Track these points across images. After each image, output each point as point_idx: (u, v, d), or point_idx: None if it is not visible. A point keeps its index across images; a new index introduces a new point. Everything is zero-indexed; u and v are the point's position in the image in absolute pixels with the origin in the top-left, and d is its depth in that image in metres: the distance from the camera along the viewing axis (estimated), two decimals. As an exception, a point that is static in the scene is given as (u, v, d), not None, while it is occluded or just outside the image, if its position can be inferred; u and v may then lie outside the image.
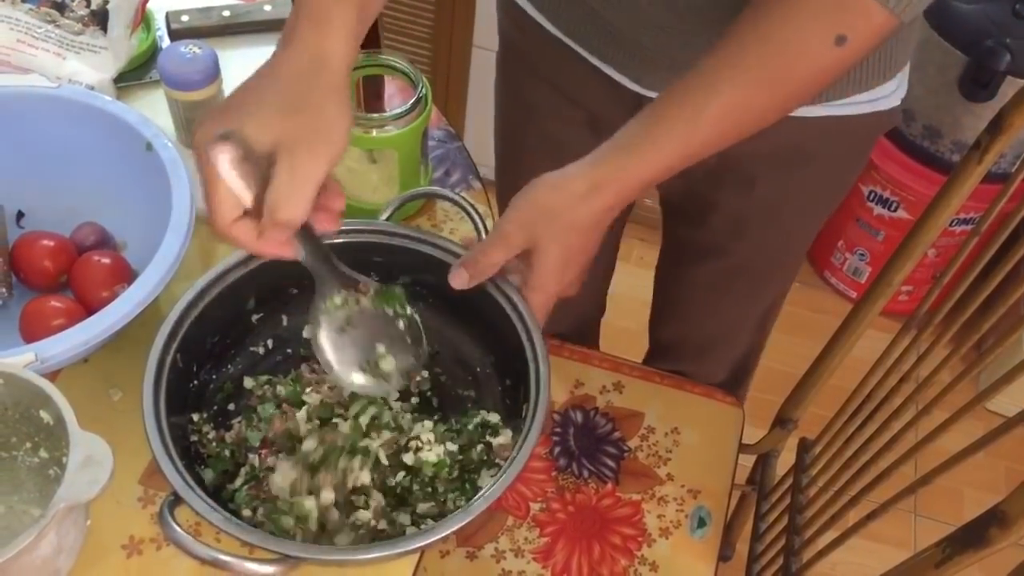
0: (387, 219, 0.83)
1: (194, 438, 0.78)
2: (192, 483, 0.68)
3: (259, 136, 0.64)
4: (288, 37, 0.67)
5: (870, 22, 0.66)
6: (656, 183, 0.74)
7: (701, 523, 1.01)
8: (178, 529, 0.65)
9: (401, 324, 0.75)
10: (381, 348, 0.75)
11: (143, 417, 0.70)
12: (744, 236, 1.02)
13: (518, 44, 1.02)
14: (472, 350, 0.83)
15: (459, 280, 0.75)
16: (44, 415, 0.73)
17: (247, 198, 0.64)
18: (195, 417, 0.79)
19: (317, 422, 0.77)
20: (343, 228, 0.79)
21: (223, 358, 0.83)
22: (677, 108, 0.71)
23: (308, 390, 0.79)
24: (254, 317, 0.84)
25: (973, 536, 0.62)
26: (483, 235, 0.83)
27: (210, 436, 0.78)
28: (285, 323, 0.85)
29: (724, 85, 0.69)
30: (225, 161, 0.62)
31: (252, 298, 0.82)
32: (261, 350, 0.85)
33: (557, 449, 1.07)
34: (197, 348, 0.78)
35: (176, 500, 0.67)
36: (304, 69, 0.66)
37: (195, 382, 0.80)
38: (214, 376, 0.82)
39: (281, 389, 0.80)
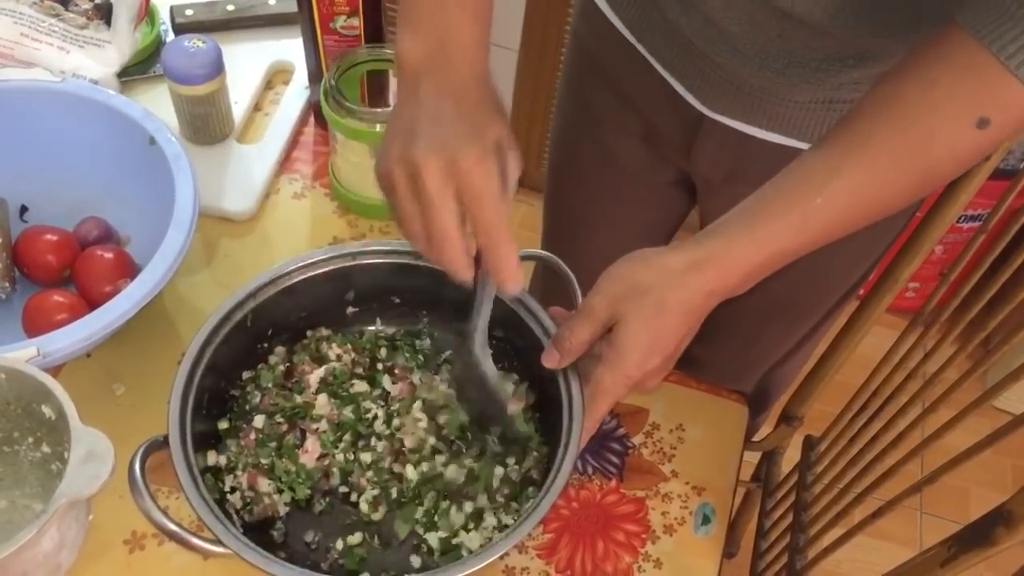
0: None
1: (235, 392, 0.78)
2: (196, 474, 0.68)
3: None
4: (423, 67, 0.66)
5: (1014, 106, 0.59)
6: (767, 271, 0.66)
7: (706, 520, 1.01)
8: (143, 485, 0.65)
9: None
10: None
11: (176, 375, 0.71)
12: (788, 274, 0.97)
13: (590, 47, 0.99)
14: (528, 429, 0.80)
15: (551, 360, 0.71)
16: (46, 410, 0.73)
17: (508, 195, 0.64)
18: (244, 375, 0.79)
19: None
20: None
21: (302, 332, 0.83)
22: (796, 188, 0.64)
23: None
24: (349, 309, 0.83)
25: (979, 535, 0.62)
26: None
27: (249, 396, 0.78)
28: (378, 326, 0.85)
29: (850, 167, 0.63)
30: (495, 170, 0.62)
31: (351, 290, 0.82)
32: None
33: (561, 445, 1.07)
34: (277, 316, 0.79)
35: (149, 451, 0.67)
36: (453, 88, 0.65)
37: (264, 345, 0.80)
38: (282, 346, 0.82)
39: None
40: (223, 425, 0.76)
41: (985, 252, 0.91)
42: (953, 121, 0.61)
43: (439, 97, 0.64)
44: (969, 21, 0.60)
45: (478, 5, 0.68)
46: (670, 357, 0.68)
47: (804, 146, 0.85)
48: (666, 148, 0.98)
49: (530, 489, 0.75)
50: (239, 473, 0.73)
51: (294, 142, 1.06)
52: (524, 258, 0.82)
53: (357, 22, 0.96)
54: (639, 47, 0.91)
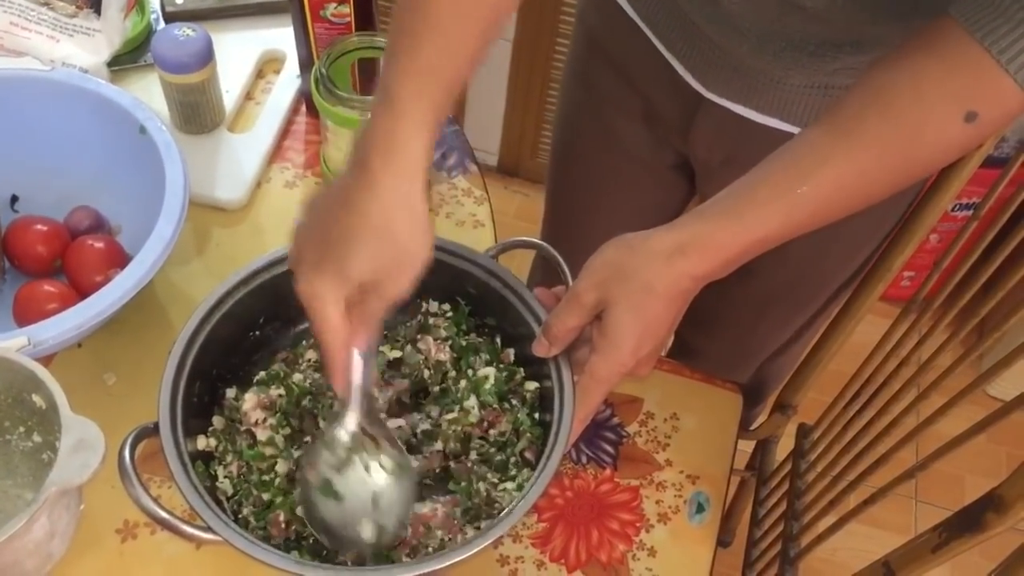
0: (493, 256, 0.80)
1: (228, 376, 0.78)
2: (187, 461, 0.68)
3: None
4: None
5: (1003, 101, 0.60)
6: (752, 255, 0.66)
7: (700, 509, 1.01)
8: (132, 472, 0.64)
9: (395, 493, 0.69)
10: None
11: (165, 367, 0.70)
12: (786, 263, 0.97)
13: (594, 27, 0.99)
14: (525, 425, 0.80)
15: (540, 348, 0.71)
16: (37, 399, 0.73)
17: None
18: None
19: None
20: (449, 249, 0.78)
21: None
22: (783, 174, 0.65)
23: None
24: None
25: (970, 520, 0.62)
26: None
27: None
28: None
29: (837, 155, 0.63)
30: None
31: None
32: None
33: (555, 434, 1.06)
34: (268, 304, 0.79)
35: (139, 439, 0.67)
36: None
37: (256, 332, 0.80)
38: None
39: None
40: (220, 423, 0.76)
41: (977, 239, 0.91)
42: (942, 114, 0.61)
43: (364, 208, 0.64)
44: (962, 14, 0.60)
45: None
46: (661, 342, 0.68)
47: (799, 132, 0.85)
48: (666, 130, 0.98)
49: (524, 473, 0.75)
50: (229, 460, 0.73)
51: (285, 131, 1.06)
52: (518, 246, 0.83)
53: (347, 10, 0.95)
54: (642, 26, 0.91)
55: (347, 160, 0.66)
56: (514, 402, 0.78)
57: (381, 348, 0.80)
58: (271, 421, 0.75)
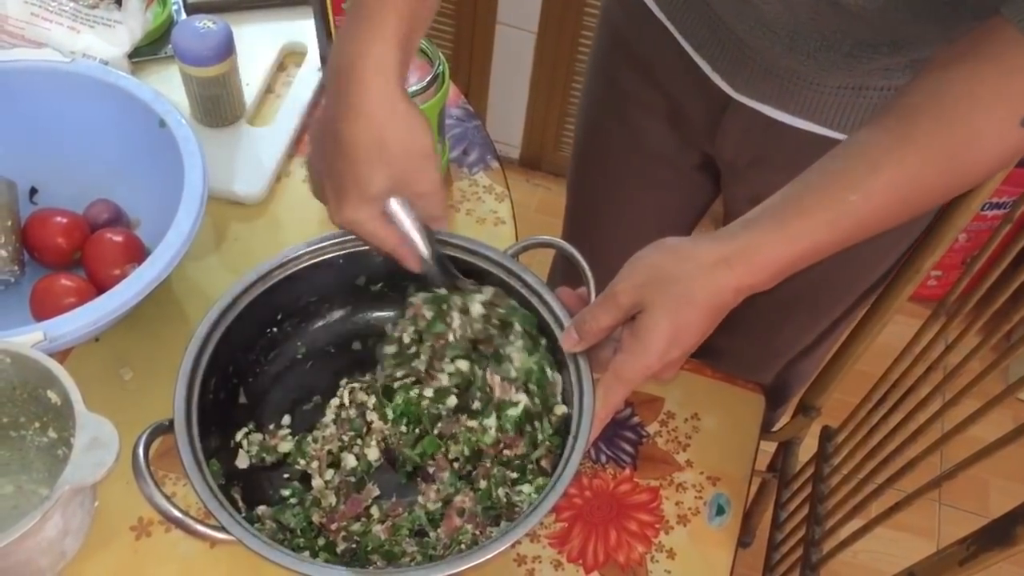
0: (514, 256, 0.79)
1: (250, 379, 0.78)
2: (202, 461, 0.67)
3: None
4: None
5: None
6: (797, 268, 0.65)
7: (720, 511, 1.00)
8: (146, 470, 0.64)
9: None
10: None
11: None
12: (810, 267, 0.96)
13: (620, 26, 0.98)
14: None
15: (570, 342, 0.70)
16: (51, 395, 0.72)
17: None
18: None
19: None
20: (469, 247, 0.77)
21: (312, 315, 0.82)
22: (832, 182, 0.63)
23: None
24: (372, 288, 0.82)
25: (999, 534, 0.60)
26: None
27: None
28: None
29: (889, 161, 0.61)
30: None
31: (362, 275, 0.81)
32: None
33: (575, 433, 1.06)
34: (287, 300, 0.79)
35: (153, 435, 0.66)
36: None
37: (272, 330, 0.79)
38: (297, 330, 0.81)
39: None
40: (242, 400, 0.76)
41: (1010, 242, 0.89)
42: (998, 120, 0.59)
43: (365, 128, 0.67)
44: (1015, 15, 0.58)
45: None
46: (689, 350, 0.67)
47: (830, 133, 0.83)
48: (691, 130, 0.97)
49: (539, 480, 0.74)
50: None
51: (306, 124, 1.05)
52: (540, 245, 0.81)
53: (370, 3, 0.94)
54: (669, 26, 0.89)
55: (327, 78, 0.70)
56: (536, 424, 0.76)
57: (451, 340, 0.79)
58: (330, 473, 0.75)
